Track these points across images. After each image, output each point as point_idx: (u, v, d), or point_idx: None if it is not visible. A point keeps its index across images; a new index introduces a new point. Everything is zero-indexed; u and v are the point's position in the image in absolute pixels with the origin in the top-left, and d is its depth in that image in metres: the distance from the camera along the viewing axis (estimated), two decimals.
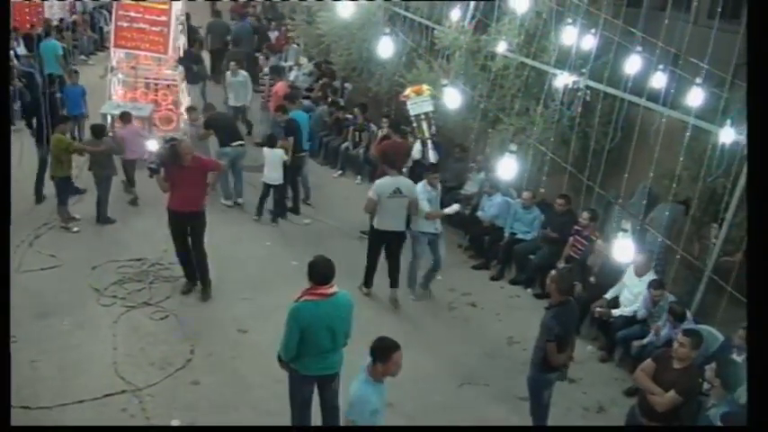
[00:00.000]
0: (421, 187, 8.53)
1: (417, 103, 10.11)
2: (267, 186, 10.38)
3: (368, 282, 8.69)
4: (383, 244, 8.48)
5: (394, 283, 8.53)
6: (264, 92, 14.51)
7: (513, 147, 6.89)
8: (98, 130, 9.86)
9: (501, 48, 10.04)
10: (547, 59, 9.65)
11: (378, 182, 8.45)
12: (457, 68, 10.52)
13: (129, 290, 8.09)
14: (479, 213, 10.07)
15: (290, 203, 10.89)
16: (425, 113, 10.13)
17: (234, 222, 10.22)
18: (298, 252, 9.27)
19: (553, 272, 6.16)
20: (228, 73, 13.53)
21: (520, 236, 9.54)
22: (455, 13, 10.78)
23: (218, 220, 10.12)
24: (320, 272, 5.15)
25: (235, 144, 10.79)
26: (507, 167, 6.68)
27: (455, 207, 8.86)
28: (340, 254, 9.20)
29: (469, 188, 10.84)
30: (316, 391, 5.55)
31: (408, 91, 10.34)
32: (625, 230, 5.79)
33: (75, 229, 9.51)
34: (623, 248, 5.82)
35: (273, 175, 10.24)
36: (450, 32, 10.74)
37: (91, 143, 9.80)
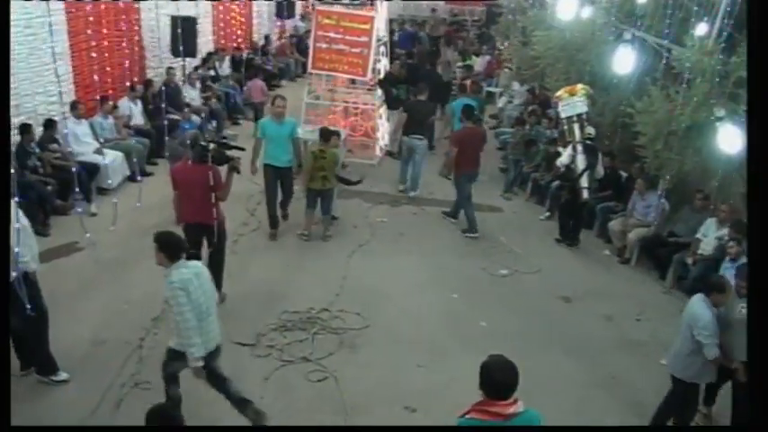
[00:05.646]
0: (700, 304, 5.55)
1: (570, 104, 9.79)
2: None
3: None
4: None
5: None
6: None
7: None
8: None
9: None
10: None
11: None
12: (699, 97, 8.54)
13: (289, 339, 7.01)
14: None
15: None
16: (578, 115, 9.72)
17: (415, 268, 8.91)
18: (489, 311, 7.85)
19: None
20: None
21: None
22: (700, 29, 8.80)
23: (396, 262, 8.96)
24: (495, 380, 3.54)
25: (414, 137, 11.15)
26: None
27: None
28: (544, 321, 7.74)
29: (707, 246, 8.70)
30: None
31: (561, 92, 10.09)
32: None
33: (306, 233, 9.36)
34: None
35: None
36: (693, 53, 8.76)
37: None
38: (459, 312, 7.85)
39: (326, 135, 9.15)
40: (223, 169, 7.15)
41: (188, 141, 7.42)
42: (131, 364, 6.41)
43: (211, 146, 7.11)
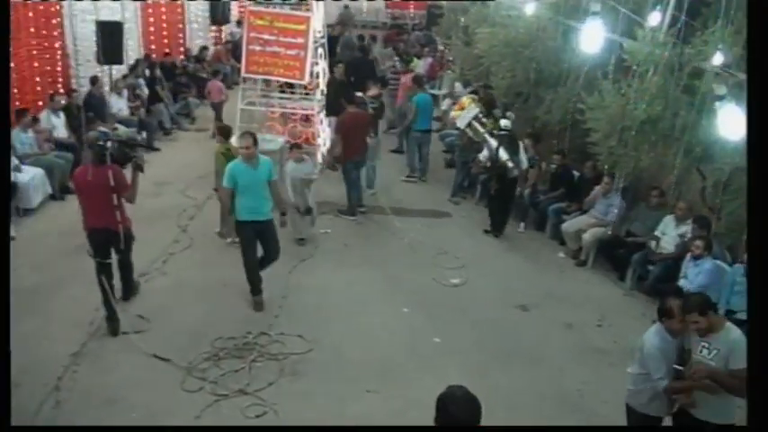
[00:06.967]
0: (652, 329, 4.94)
1: (463, 116, 10.39)
2: None
3: None
4: None
5: None
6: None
7: None
8: None
9: (716, 61, 7.60)
10: None
11: None
12: (653, 90, 8.18)
13: (224, 369, 6.33)
14: (682, 282, 7.53)
15: None
16: (474, 117, 10.26)
17: (361, 282, 8.33)
18: (443, 324, 7.33)
19: None
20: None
21: (740, 315, 6.89)
22: (654, 18, 8.45)
23: (341, 277, 8.38)
24: (454, 418, 2.98)
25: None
26: None
27: None
28: (502, 331, 7.24)
29: (666, 245, 8.33)
30: None
31: (453, 113, 10.96)
32: None
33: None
34: None
35: None
36: (644, 45, 8.40)
37: None
38: (410, 328, 7.28)
39: (227, 132, 9.11)
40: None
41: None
42: (47, 409, 5.65)
43: (109, 144, 6.54)
